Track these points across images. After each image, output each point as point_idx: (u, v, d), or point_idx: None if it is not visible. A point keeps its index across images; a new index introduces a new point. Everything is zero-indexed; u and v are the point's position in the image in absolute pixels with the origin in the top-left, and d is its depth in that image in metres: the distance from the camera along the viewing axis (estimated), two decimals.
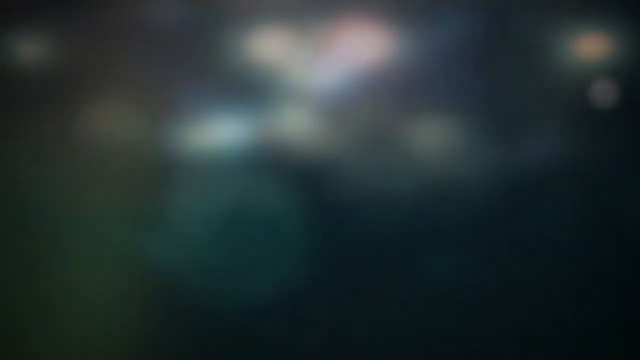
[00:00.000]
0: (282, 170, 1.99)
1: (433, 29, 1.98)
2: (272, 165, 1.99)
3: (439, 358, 1.98)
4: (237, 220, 2.00)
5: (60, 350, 2.03)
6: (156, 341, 2.02)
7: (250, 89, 2.00)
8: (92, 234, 2.02)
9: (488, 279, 1.98)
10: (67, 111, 2.02)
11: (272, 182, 1.99)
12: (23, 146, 2.02)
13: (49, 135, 2.02)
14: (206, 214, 2.00)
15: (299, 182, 1.99)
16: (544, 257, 1.97)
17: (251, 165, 2.00)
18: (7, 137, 2.03)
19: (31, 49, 2.03)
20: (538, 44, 1.97)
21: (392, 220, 1.98)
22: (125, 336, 2.02)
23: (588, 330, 1.98)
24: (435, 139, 1.97)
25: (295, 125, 1.99)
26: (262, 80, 2.00)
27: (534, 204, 1.97)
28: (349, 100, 1.99)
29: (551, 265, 1.97)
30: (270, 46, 2.00)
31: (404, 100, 1.98)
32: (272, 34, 2.00)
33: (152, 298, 2.01)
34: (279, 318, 2.00)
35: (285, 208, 1.99)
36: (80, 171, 2.02)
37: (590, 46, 1.96)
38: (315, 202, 1.99)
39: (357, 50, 1.99)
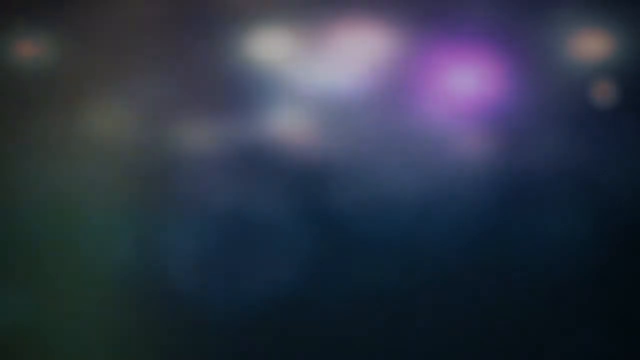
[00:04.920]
0: (280, 172, 1.99)
1: (433, 29, 1.97)
2: (271, 166, 1.99)
3: None
4: (237, 222, 2.00)
5: (59, 351, 2.03)
6: (153, 341, 2.01)
7: (250, 90, 2.00)
8: (91, 234, 2.02)
9: (490, 280, 1.98)
10: (65, 111, 2.02)
11: (271, 183, 1.99)
12: (22, 146, 2.02)
13: (48, 135, 2.02)
14: (206, 215, 2.00)
15: (298, 183, 1.99)
16: (545, 257, 1.97)
17: (250, 166, 1.99)
18: (7, 137, 2.03)
19: (31, 49, 2.03)
20: (538, 44, 1.97)
21: (393, 223, 1.98)
22: (123, 337, 2.02)
23: (588, 331, 1.98)
24: (435, 139, 1.97)
25: (295, 126, 1.99)
26: (262, 80, 2.00)
27: (534, 205, 1.97)
28: (349, 101, 1.99)
29: (552, 266, 1.97)
30: (270, 46, 2.00)
31: (404, 100, 1.98)
32: (272, 34, 2.00)
33: (148, 298, 2.01)
34: (276, 321, 2.00)
35: (284, 210, 1.99)
36: (79, 171, 2.02)
37: (590, 46, 1.96)
38: (315, 204, 1.99)
39: (358, 50, 1.99)
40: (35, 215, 2.02)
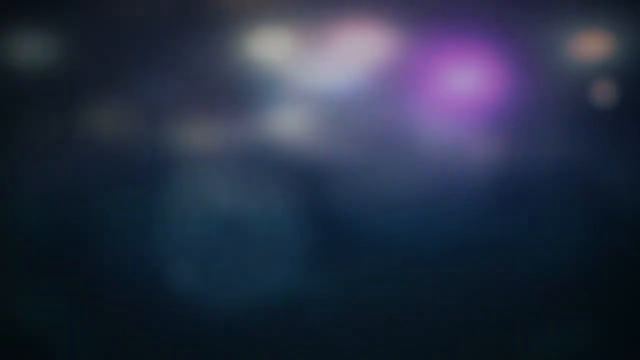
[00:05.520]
0: (281, 172, 1.99)
1: (433, 29, 1.97)
2: (271, 166, 1.99)
3: None
4: (237, 223, 2.00)
5: (60, 351, 2.03)
6: (151, 342, 2.02)
7: (250, 90, 2.00)
8: (91, 234, 2.02)
9: (491, 281, 1.98)
10: (65, 111, 2.02)
11: (271, 184, 1.99)
12: (22, 146, 2.02)
13: (48, 135, 2.02)
14: (206, 216, 2.00)
15: (299, 183, 1.99)
16: (544, 257, 1.97)
17: (250, 166, 1.99)
18: (6, 137, 2.03)
19: (30, 49, 2.03)
20: (538, 44, 1.97)
21: (394, 222, 1.98)
22: (122, 337, 2.02)
23: (588, 331, 1.98)
24: (436, 140, 1.97)
25: (295, 126, 1.99)
26: (262, 80, 2.00)
27: (534, 205, 1.96)
28: (350, 100, 1.99)
29: (552, 266, 1.97)
30: (270, 46, 2.00)
31: (404, 101, 1.98)
32: (272, 34, 2.00)
33: (147, 299, 2.01)
34: (276, 322, 2.00)
35: (284, 211, 1.99)
36: (79, 171, 2.02)
37: (590, 46, 1.96)
38: (315, 203, 1.99)
39: (358, 50, 1.99)
40: (34, 215, 2.02)
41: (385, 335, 1.99)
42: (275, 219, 1.99)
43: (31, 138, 2.02)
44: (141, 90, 2.01)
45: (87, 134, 2.02)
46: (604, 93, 1.95)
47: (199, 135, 2.00)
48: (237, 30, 2.00)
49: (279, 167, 1.99)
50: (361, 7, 1.99)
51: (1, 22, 2.03)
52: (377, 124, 1.98)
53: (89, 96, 2.02)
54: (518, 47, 1.97)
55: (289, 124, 1.99)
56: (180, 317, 2.01)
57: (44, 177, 2.02)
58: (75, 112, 2.02)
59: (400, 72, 1.98)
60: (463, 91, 1.97)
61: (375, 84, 1.98)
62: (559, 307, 1.98)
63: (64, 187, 2.02)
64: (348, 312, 1.99)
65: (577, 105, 1.97)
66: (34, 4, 2.03)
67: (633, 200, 1.96)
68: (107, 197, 2.01)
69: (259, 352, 2.01)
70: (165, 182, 2.00)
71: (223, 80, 2.00)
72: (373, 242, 1.98)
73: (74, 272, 2.03)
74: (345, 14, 1.99)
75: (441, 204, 1.97)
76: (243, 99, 2.00)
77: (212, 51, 2.00)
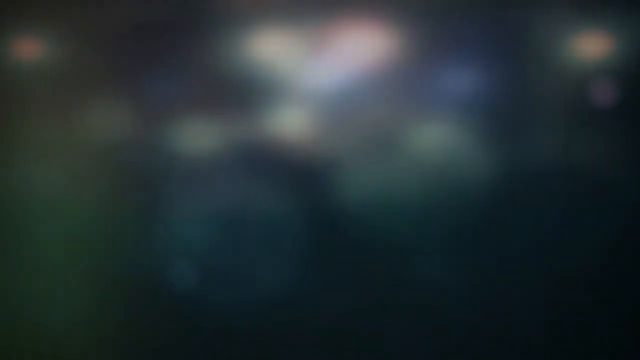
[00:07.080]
0: (280, 172, 1.99)
1: (432, 28, 1.98)
2: (271, 166, 1.99)
3: None
4: (236, 223, 2.00)
5: (60, 351, 2.03)
6: (151, 342, 2.01)
7: (250, 90, 2.00)
8: (91, 234, 2.02)
9: (489, 281, 1.98)
10: (65, 111, 2.02)
11: (270, 183, 1.99)
12: (22, 146, 2.03)
13: (47, 135, 2.02)
14: (205, 215, 2.00)
15: (298, 183, 1.99)
16: (545, 257, 1.97)
17: (250, 166, 2.00)
18: (7, 137, 2.03)
19: (31, 49, 2.03)
20: (538, 44, 1.97)
21: (393, 222, 1.98)
22: (122, 337, 2.02)
23: (587, 331, 1.98)
24: (435, 140, 1.97)
25: (295, 126, 1.99)
26: (262, 80, 2.00)
27: (534, 204, 1.97)
28: (349, 100, 1.99)
29: (552, 266, 1.97)
30: (270, 46, 2.00)
31: (404, 100, 1.98)
32: (272, 34, 2.00)
33: (147, 298, 2.01)
34: (276, 321, 2.00)
35: (284, 210, 1.99)
36: (79, 171, 2.02)
37: (590, 46, 1.96)
38: (314, 204, 1.99)
39: (357, 50, 1.99)
40: (34, 215, 2.02)
41: (385, 334, 1.99)
42: (276, 219, 1.99)
43: (32, 138, 2.02)
44: (142, 90, 2.01)
45: (88, 134, 2.02)
46: (604, 93, 1.95)
47: (199, 135, 2.00)
48: (237, 30, 2.00)
49: (279, 166, 1.99)
50: (361, 7, 1.99)
51: (2, 22, 2.03)
52: (377, 123, 1.98)
53: (90, 96, 2.02)
54: (518, 47, 1.97)
55: (289, 124, 1.99)
56: (182, 317, 2.01)
57: (45, 177, 2.02)
58: (76, 112, 2.02)
59: (400, 72, 1.98)
60: (463, 91, 1.97)
61: (375, 84, 1.98)
62: (559, 307, 1.98)
63: (65, 186, 2.02)
64: (348, 311, 1.99)
65: (577, 105, 1.97)
66: (35, 4, 2.03)
67: (633, 200, 1.96)
68: (107, 196, 2.01)
69: (259, 351, 2.00)
70: (167, 182, 2.00)
71: (224, 81, 2.01)
72: (373, 242, 1.98)
73: (74, 272, 2.03)
74: (345, 14, 1.99)
75: (442, 204, 1.97)
76: (244, 99, 2.00)
77: (212, 51, 2.01)
